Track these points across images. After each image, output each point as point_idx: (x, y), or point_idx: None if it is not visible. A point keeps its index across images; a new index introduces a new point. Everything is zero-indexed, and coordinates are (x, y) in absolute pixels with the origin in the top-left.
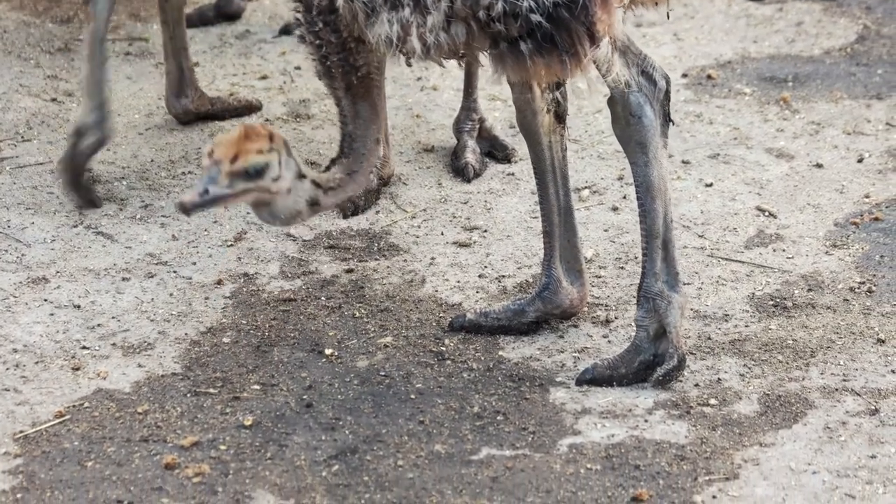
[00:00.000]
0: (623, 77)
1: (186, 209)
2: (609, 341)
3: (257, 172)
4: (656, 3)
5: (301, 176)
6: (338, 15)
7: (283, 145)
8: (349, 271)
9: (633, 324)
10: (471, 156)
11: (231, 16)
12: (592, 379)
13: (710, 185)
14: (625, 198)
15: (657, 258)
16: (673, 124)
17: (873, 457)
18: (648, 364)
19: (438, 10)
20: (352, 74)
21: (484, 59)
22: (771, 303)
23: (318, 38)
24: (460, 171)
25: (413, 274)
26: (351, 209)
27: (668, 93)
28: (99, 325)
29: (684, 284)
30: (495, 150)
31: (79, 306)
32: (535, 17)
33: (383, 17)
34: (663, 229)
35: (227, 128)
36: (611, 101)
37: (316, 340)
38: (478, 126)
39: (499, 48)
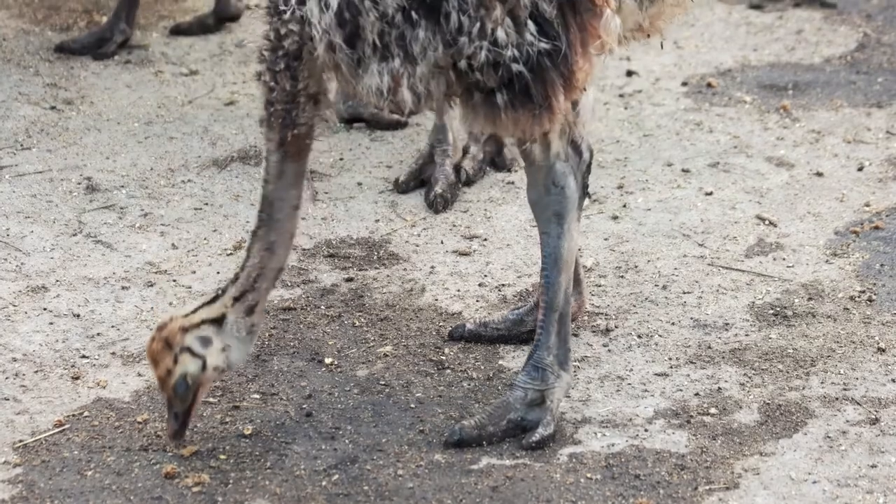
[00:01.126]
0: (555, 146)
1: (175, 438)
2: (609, 350)
3: (186, 385)
4: (648, 36)
5: (220, 321)
6: (301, 62)
7: (184, 334)
8: (349, 280)
9: (512, 382)
10: (468, 163)
11: (230, 18)
12: (460, 440)
13: (710, 193)
14: (625, 206)
15: (552, 332)
16: (590, 198)
17: (874, 466)
18: (517, 424)
19: (426, 59)
20: (289, 129)
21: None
22: (771, 312)
23: (275, 80)
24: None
25: (413, 283)
26: (441, 204)
27: (589, 165)
28: (98, 333)
29: (684, 293)
30: (497, 159)
31: (78, 315)
32: (517, 67)
33: (373, 67)
34: (563, 303)
35: None
36: (530, 167)
37: (316, 349)
38: None
39: (472, 99)
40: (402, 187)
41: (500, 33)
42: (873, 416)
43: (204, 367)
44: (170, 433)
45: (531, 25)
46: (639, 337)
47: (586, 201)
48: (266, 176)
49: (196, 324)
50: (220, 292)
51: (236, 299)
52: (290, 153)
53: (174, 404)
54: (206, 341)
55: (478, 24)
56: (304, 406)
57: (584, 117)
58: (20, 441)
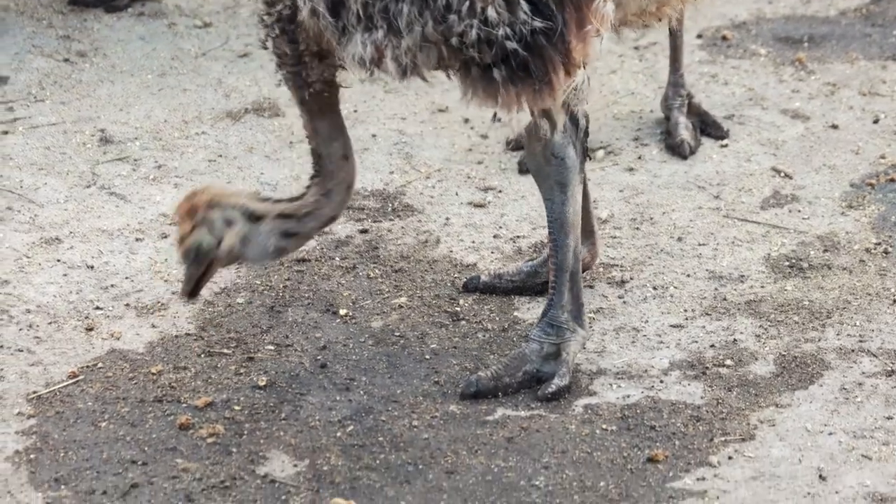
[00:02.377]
0: (555, 120)
1: (185, 298)
2: (624, 302)
3: (197, 253)
4: (659, 20)
5: (256, 218)
6: (298, 26)
7: (210, 209)
8: (363, 231)
9: (528, 335)
10: (685, 132)
11: None
12: (477, 391)
13: (726, 145)
14: (640, 158)
15: (564, 290)
16: (591, 159)
17: (889, 418)
18: (533, 376)
19: (412, 33)
20: (304, 89)
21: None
22: (786, 264)
23: (275, 45)
24: (676, 149)
25: (428, 234)
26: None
27: (587, 130)
28: (112, 285)
29: (700, 245)
30: (708, 128)
31: (92, 267)
32: (511, 45)
33: (356, 37)
34: (573, 263)
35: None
36: (529, 139)
37: (330, 301)
38: (687, 102)
39: (470, 74)
40: (512, 144)
41: (491, 12)
42: (889, 368)
43: (218, 245)
44: (182, 291)
45: (524, 4)
46: (654, 289)
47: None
48: (306, 133)
49: (229, 203)
50: (273, 200)
51: (282, 216)
52: (315, 110)
53: (188, 267)
54: (229, 222)
55: (467, 3)
56: (318, 357)
57: (583, 93)
58: (34, 392)
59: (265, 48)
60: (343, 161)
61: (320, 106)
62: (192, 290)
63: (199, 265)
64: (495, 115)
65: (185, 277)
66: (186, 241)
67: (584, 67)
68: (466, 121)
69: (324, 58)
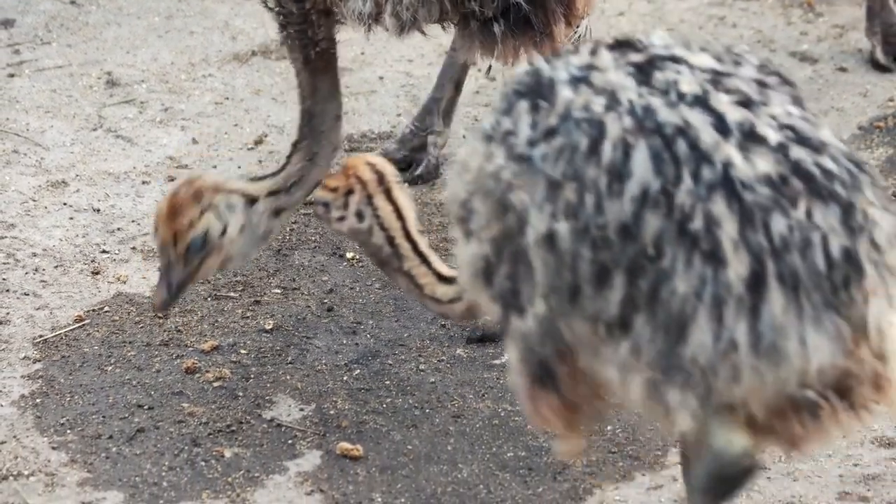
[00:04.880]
0: None
1: (162, 308)
2: None
3: (203, 243)
4: None
5: (252, 200)
6: None
7: (215, 193)
8: None
9: None
10: None
11: None
12: (483, 336)
13: None
14: None
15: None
16: None
17: None
18: None
19: None
20: (310, 48)
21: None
22: None
23: (280, 4)
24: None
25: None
26: None
27: None
28: (119, 228)
29: None
30: None
31: (98, 210)
32: None
33: None
34: None
35: None
36: None
37: (337, 244)
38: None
39: (468, 27)
40: None
41: None
42: None
43: (224, 233)
44: (157, 301)
45: None
46: None
47: None
48: (302, 93)
49: (231, 189)
50: (258, 178)
51: (271, 193)
52: (319, 68)
53: (174, 266)
54: (232, 208)
55: None
56: (325, 301)
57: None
58: (40, 336)
59: (268, 8)
60: (335, 121)
61: (324, 64)
62: (171, 298)
63: (194, 261)
64: (490, 67)
65: (164, 284)
66: (196, 228)
67: (585, 18)
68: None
69: (329, 14)
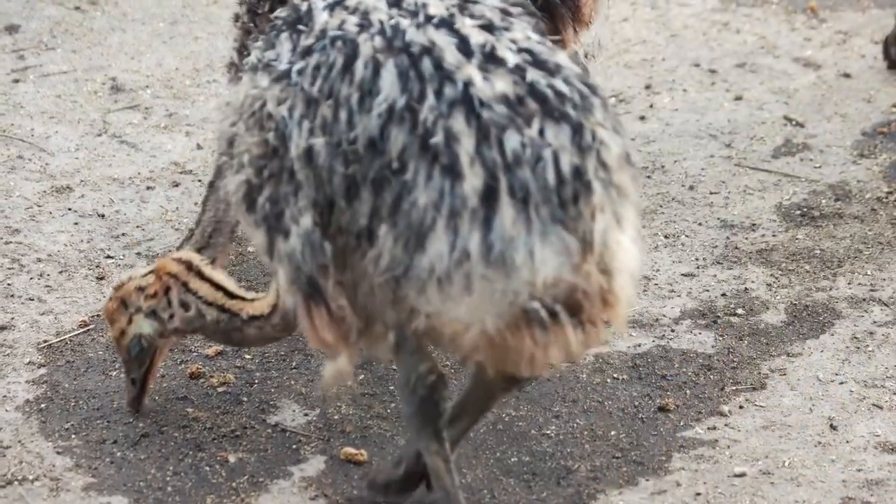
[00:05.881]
0: None
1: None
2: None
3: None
4: None
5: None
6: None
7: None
8: None
9: None
10: None
11: None
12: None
13: (738, 94)
14: (651, 107)
15: None
16: None
17: None
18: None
19: None
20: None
21: None
22: (798, 212)
23: (254, 24)
24: None
25: None
26: None
27: None
28: (123, 234)
29: (711, 193)
30: None
31: (103, 215)
32: None
33: None
34: None
35: None
36: None
37: None
38: None
39: None
40: None
41: None
42: None
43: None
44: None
45: None
46: (665, 237)
47: (613, 102)
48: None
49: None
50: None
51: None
52: None
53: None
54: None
55: None
56: None
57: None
58: (45, 341)
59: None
60: None
61: None
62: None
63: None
64: None
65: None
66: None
67: (591, 24)
68: None
69: None
